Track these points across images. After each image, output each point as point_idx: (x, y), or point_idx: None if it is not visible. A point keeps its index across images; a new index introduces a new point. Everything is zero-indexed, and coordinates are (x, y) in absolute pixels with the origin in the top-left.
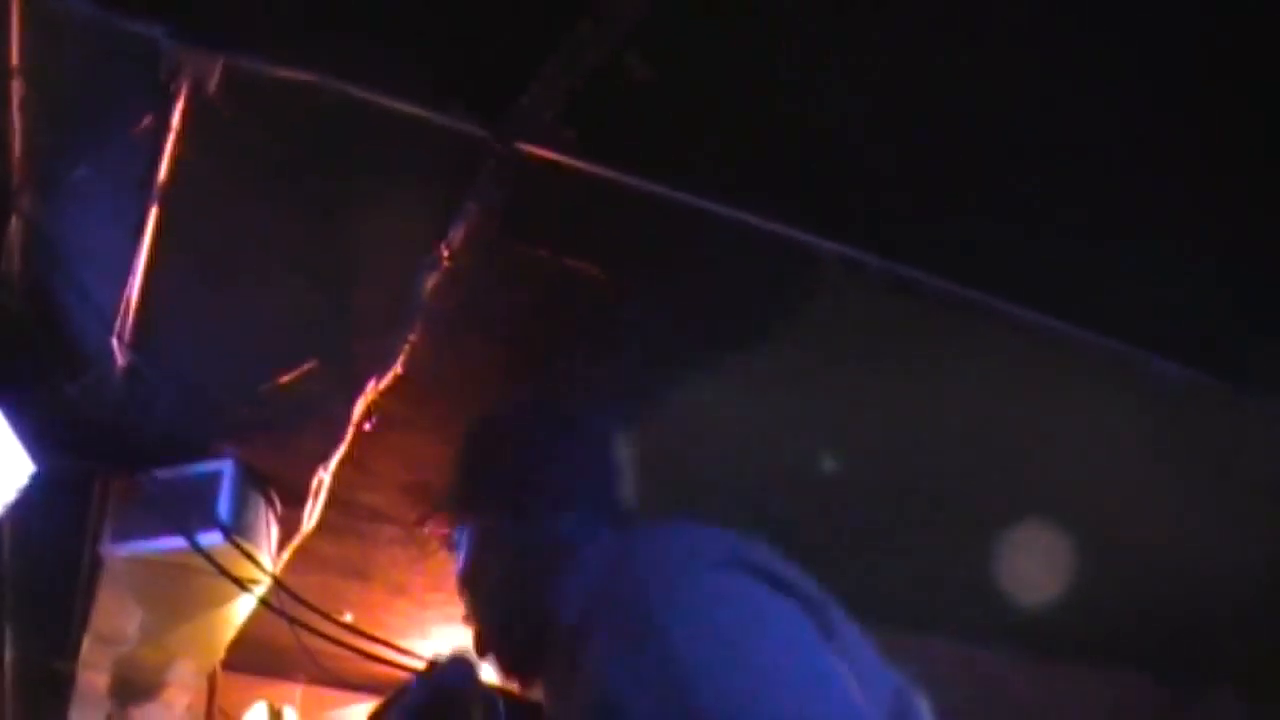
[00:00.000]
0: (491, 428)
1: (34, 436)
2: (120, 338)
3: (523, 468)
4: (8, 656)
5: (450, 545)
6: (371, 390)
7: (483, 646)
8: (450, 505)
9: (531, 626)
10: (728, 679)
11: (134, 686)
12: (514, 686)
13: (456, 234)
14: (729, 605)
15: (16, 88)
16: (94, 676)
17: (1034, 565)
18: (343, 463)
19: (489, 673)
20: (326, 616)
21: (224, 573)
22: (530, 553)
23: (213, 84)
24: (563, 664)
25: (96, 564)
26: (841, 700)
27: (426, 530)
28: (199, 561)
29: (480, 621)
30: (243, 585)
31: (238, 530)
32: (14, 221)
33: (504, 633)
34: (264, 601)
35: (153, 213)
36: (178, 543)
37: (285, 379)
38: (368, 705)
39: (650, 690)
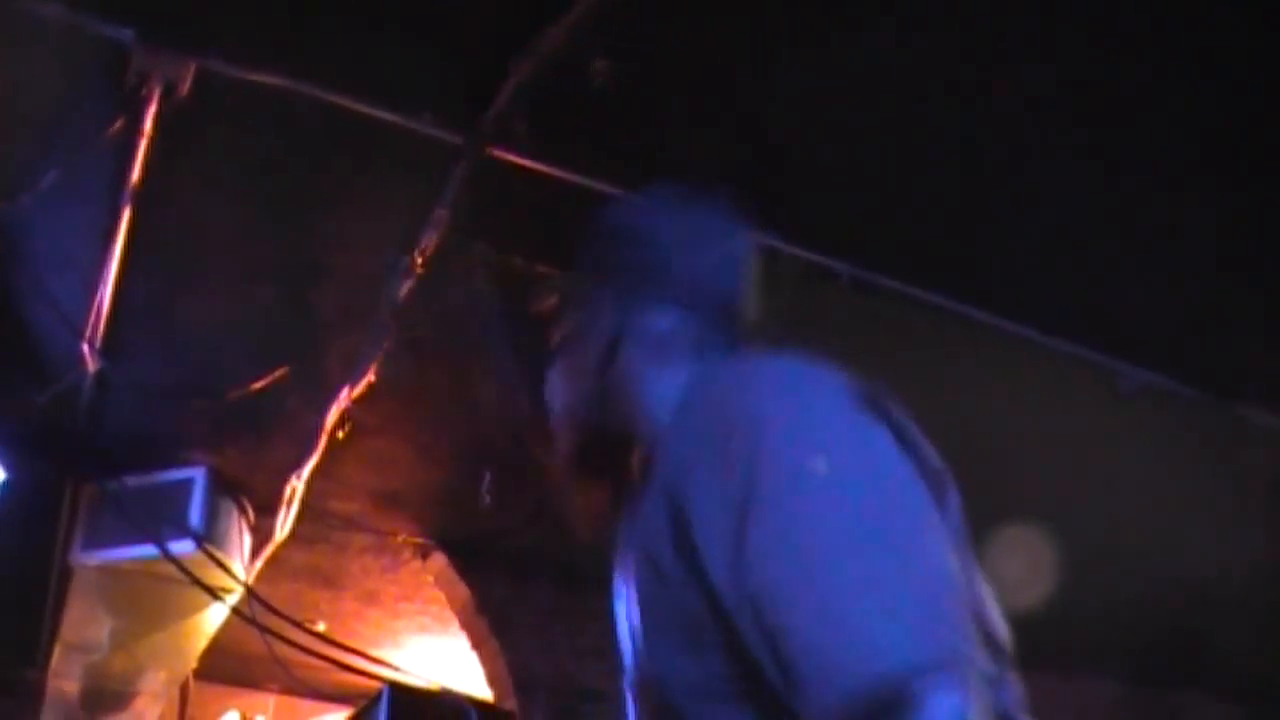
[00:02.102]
0: (628, 210)
1: (3, 444)
2: (91, 344)
3: (648, 253)
4: None
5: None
6: (344, 398)
7: (555, 432)
8: (570, 277)
9: (613, 419)
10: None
11: (104, 696)
12: (577, 479)
13: (429, 240)
14: (855, 449)
15: None
16: (64, 685)
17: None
18: (315, 471)
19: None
20: (299, 625)
21: (196, 581)
22: (633, 342)
23: (184, 88)
24: (641, 467)
25: (66, 572)
26: (935, 573)
27: (399, 539)
28: (170, 570)
29: (560, 401)
30: (215, 594)
31: (210, 538)
32: None
33: (582, 418)
34: (236, 610)
35: (124, 218)
36: (149, 550)
37: (257, 386)
38: (341, 715)
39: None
